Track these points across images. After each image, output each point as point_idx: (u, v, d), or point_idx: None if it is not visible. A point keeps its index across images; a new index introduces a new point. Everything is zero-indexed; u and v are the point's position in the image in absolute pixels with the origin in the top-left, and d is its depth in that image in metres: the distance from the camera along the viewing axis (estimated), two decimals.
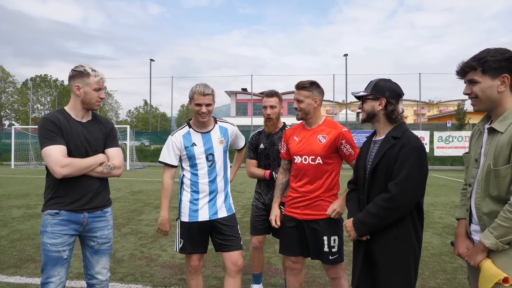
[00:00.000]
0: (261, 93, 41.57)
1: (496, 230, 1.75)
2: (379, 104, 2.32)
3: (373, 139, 2.43)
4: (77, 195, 2.44)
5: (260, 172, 3.52)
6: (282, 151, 3.10)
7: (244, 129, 28.15)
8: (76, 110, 2.51)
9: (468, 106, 34.07)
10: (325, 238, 2.77)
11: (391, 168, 2.19)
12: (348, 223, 2.35)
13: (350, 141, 2.80)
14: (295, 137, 2.98)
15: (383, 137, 2.33)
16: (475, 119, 33.73)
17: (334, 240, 2.78)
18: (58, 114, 2.46)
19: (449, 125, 28.83)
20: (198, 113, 2.84)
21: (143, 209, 8.32)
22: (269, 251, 5.05)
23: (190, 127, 2.97)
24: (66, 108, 2.54)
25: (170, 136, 2.99)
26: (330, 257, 2.77)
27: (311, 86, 2.84)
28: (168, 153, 2.93)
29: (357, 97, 2.46)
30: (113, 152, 2.60)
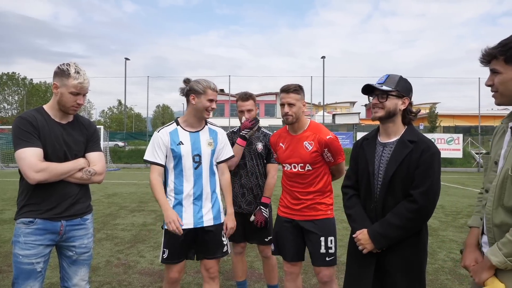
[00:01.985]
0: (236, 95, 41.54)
1: (505, 247, 1.51)
2: (402, 103, 2.16)
3: (380, 141, 2.24)
4: (54, 201, 2.25)
5: (236, 147, 3.26)
6: (274, 157, 3.15)
7: None
8: (55, 110, 2.32)
9: (440, 109, 35.16)
10: (322, 239, 2.74)
11: (411, 174, 2.05)
12: (361, 235, 2.14)
13: (333, 149, 2.73)
14: (281, 144, 2.92)
15: (394, 139, 2.17)
16: (446, 122, 34.88)
17: (331, 241, 2.74)
18: (36, 114, 2.26)
19: (421, 127, 29.54)
20: (207, 109, 2.70)
21: (119, 213, 8.04)
22: (251, 255, 4.95)
23: (178, 124, 2.80)
24: (45, 107, 2.34)
25: (155, 132, 2.80)
26: (327, 258, 2.74)
27: (300, 90, 2.80)
28: (153, 150, 2.73)
29: (381, 91, 2.15)
30: (95, 157, 2.43)
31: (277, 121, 42.90)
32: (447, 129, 34.72)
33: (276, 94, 45.37)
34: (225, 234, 2.84)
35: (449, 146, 21.42)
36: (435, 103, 38.43)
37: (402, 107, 2.16)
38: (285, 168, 2.87)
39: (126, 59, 28.24)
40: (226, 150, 2.94)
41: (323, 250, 2.72)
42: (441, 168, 2.12)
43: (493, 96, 1.69)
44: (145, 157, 2.77)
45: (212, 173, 2.83)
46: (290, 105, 2.75)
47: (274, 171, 3.40)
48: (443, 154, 21.30)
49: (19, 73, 52.85)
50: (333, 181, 2.96)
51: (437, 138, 21.29)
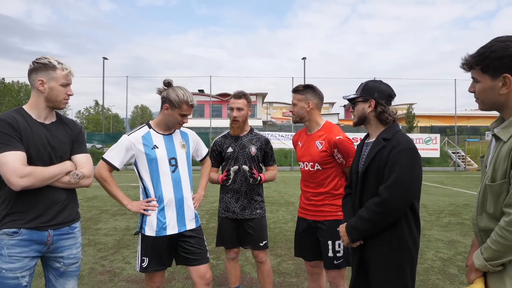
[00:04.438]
0: (220, 95, 41.33)
1: (486, 252, 1.57)
2: (369, 106, 2.25)
3: (366, 141, 2.37)
4: (40, 209, 2.08)
5: (215, 176, 3.33)
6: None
7: (201, 131, 27.70)
8: (38, 109, 2.15)
9: (417, 109, 35.89)
10: (329, 242, 2.75)
11: (382, 170, 2.11)
12: (341, 228, 2.29)
13: (342, 150, 2.72)
14: (299, 142, 3.01)
15: (374, 139, 2.25)
16: (423, 122, 35.65)
17: (339, 244, 2.73)
18: (16, 114, 2.08)
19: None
20: (178, 123, 2.67)
21: (100, 217, 7.78)
22: (240, 259, 4.83)
23: (150, 127, 2.69)
24: (25, 107, 2.16)
25: (125, 136, 2.65)
26: (335, 262, 2.75)
27: (304, 90, 2.85)
28: (118, 153, 2.61)
29: (348, 100, 2.39)
30: (82, 159, 2.26)
31: (258, 122, 42.91)
32: (423, 129, 35.49)
33: (256, 95, 45.35)
34: (194, 206, 2.79)
35: (427, 146, 21.85)
36: (412, 104, 39.10)
37: (369, 110, 2.25)
38: (300, 167, 2.96)
39: (104, 58, 27.57)
40: (202, 148, 3.04)
41: (330, 254, 2.74)
42: (416, 164, 2.09)
43: (476, 101, 1.71)
44: (105, 156, 2.64)
45: (189, 176, 2.76)
46: (293, 104, 2.88)
47: (275, 171, 3.46)
48: (422, 154, 21.55)
49: None
50: None
51: (416, 138, 21.67)
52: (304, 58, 27.18)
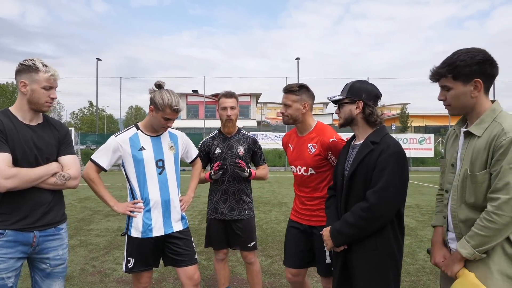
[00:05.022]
0: (214, 95, 41.23)
1: (473, 239, 1.68)
2: (356, 108, 2.20)
3: (352, 143, 2.31)
4: (25, 211, 2.08)
5: (202, 175, 3.30)
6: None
7: (196, 132, 27.69)
8: (23, 111, 2.15)
9: (410, 109, 36.03)
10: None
11: (370, 174, 2.07)
12: (325, 231, 2.23)
13: (337, 152, 2.60)
14: (290, 145, 2.88)
15: (362, 141, 2.21)
16: (417, 122, 35.85)
17: None
18: (2, 116, 2.09)
19: (393, 127, 30.18)
20: (162, 126, 2.65)
21: (92, 217, 7.74)
22: (232, 260, 4.85)
23: (138, 129, 2.70)
24: (11, 109, 2.16)
25: (113, 137, 2.66)
26: (332, 269, 2.67)
27: (299, 90, 2.69)
28: (105, 154, 2.62)
29: (333, 102, 2.33)
30: (68, 160, 2.26)
31: (252, 122, 42.91)
32: (418, 129, 35.65)
33: (250, 95, 45.31)
34: (181, 208, 2.79)
35: (421, 146, 21.94)
36: (406, 104, 39.24)
37: (357, 111, 2.20)
38: (293, 171, 2.83)
39: (98, 59, 27.42)
40: (192, 150, 3.03)
41: (328, 260, 2.61)
42: (405, 168, 2.09)
43: (446, 108, 1.89)
44: (93, 157, 2.65)
45: (176, 178, 2.76)
46: (286, 106, 2.71)
47: (266, 170, 3.44)
48: (416, 154, 21.79)
49: None
50: None
51: (410, 138, 21.75)
52: (297, 59, 27.20)
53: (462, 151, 1.82)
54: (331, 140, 2.60)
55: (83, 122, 53.35)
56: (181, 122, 42.98)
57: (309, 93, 2.73)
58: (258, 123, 47.92)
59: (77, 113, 61.77)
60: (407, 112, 33.21)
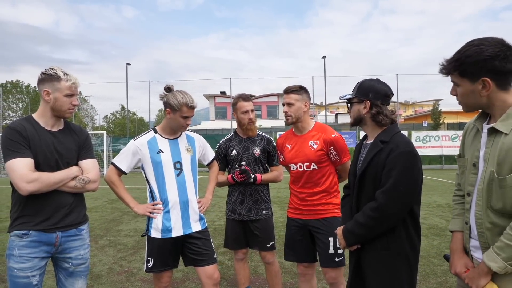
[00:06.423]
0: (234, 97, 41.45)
1: (503, 251, 1.48)
2: (364, 107, 2.16)
3: (364, 142, 2.29)
4: (48, 212, 2.19)
5: (224, 178, 3.38)
6: (280, 159, 3.18)
7: (224, 133, 27.90)
8: (46, 117, 2.27)
9: (443, 106, 34.92)
10: (330, 239, 2.75)
11: (379, 174, 2.03)
12: (339, 230, 2.23)
13: (338, 148, 2.80)
14: (287, 145, 3.00)
15: (372, 141, 2.19)
16: (450, 119, 34.66)
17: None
18: (25, 123, 2.21)
19: (425, 125, 29.35)
20: (182, 126, 2.72)
21: (122, 218, 8.00)
22: (255, 260, 4.88)
23: (156, 132, 2.79)
24: (34, 115, 2.28)
25: (132, 141, 2.77)
26: (336, 259, 2.75)
27: (301, 90, 2.89)
28: (125, 157, 2.73)
29: (346, 100, 2.32)
30: (88, 164, 2.37)
31: (280, 122, 42.87)
32: (451, 126, 34.49)
33: (278, 95, 45.30)
34: (200, 209, 2.84)
35: (454, 143, 21.22)
36: (439, 100, 38.14)
37: (365, 111, 2.17)
38: (292, 169, 2.96)
39: (127, 64, 28.27)
40: (209, 152, 3.08)
41: (332, 250, 2.72)
42: (415, 168, 2.00)
43: (459, 104, 1.73)
44: (114, 161, 2.76)
45: (194, 179, 2.83)
46: (289, 105, 2.87)
47: (279, 171, 3.43)
48: (448, 152, 21.12)
49: (23, 81, 53.27)
50: (340, 182, 2.97)
51: (442, 136, 21.11)
52: (324, 57, 27.01)
53: (486, 150, 1.61)
54: (333, 135, 2.81)
55: (115, 126, 55.02)
56: (209, 123, 43.54)
57: (308, 94, 2.93)
58: (285, 122, 47.81)
59: (109, 117, 63.72)
60: (439, 109, 32.22)
